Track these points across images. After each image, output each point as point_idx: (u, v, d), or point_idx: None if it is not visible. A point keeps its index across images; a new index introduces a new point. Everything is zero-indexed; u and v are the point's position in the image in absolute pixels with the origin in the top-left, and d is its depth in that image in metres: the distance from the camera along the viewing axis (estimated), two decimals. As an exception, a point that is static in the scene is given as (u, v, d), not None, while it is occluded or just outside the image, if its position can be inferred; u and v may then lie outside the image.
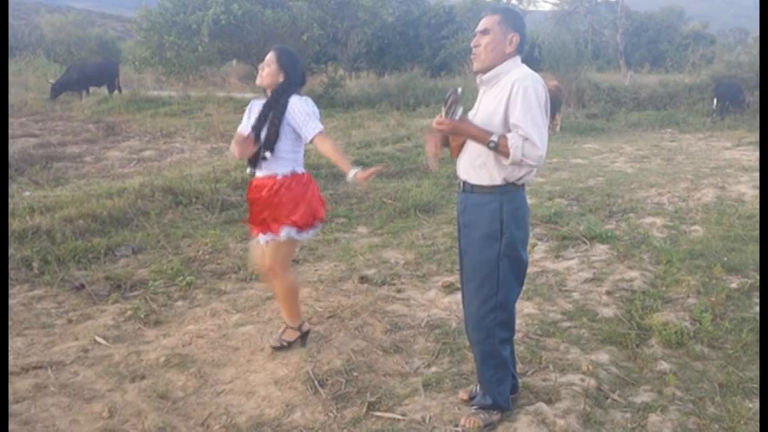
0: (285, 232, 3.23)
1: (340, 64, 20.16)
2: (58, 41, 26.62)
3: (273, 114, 3.19)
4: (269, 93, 3.26)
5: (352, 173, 3.06)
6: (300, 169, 3.32)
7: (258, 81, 3.27)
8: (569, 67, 17.09)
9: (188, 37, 14.40)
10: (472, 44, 2.63)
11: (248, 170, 3.33)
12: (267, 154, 3.19)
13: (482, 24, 2.61)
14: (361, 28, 18.95)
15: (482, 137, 2.51)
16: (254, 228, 3.35)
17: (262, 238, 3.30)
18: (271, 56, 3.23)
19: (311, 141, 3.22)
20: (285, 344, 3.49)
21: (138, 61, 16.23)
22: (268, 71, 3.21)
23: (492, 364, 2.75)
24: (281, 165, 3.25)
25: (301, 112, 3.16)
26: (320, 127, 3.19)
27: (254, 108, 3.31)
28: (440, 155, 2.73)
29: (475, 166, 2.63)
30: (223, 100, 15.73)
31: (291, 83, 3.24)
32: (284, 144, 3.22)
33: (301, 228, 3.26)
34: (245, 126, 3.29)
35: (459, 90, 2.57)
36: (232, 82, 20.30)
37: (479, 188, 2.64)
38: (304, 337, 3.56)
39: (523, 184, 2.67)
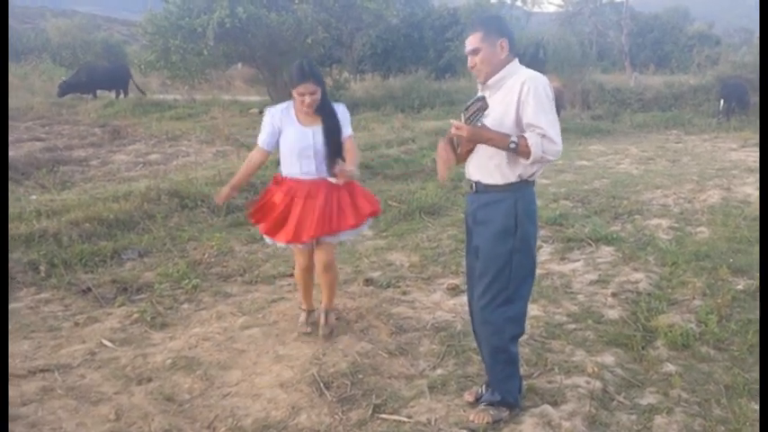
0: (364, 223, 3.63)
1: (345, 66, 20.15)
2: (64, 45, 26.70)
3: (336, 124, 3.49)
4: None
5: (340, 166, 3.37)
6: None
7: (308, 112, 3.43)
8: (574, 69, 17.07)
9: (193, 41, 14.40)
10: (469, 65, 2.67)
11: (299, 168, 3.46)
12: (339, 161, 3.41)
13: (469, 45, 2.65)
14: (365, 30, 18.92)
15: (501, 140, 2.54)
16: (312, 230, 3.40)
17: (331, 238, 3.53)
18: (311, 87, 3.36)
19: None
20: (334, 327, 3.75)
21: (143, 65, 16.28)
22: (315, 98, 3.39)
23: (501, 359, 2.77)
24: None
25: (343, 117, 3.54)
26: (351, 132, 3.57)
27: (285, 119, 3.48)
28: (452, 164, 2.74)
29: (489, 167, 2.67)
30: (228, 103, 15.78)
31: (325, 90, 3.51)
32: None
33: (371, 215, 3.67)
34: (267, 136, 3.49)
35: (487, 97, 2.58)
36: (237, 85, 20.35)
37: (493, 187, 2.68)
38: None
39: (534, 181, 2.73)
